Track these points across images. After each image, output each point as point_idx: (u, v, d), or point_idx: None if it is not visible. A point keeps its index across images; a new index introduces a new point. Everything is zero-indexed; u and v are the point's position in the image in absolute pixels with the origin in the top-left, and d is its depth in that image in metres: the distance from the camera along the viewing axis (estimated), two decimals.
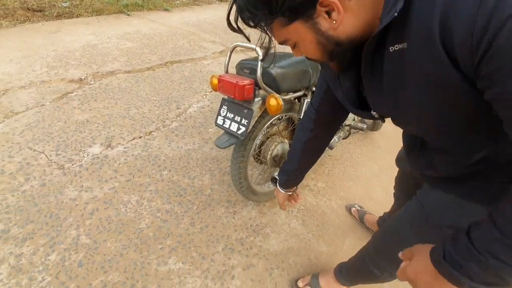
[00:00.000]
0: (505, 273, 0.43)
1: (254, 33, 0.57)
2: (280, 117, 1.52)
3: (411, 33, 0.43)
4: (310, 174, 1.83)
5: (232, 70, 1.25)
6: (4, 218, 1.32)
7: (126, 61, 2.89)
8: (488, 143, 0.55)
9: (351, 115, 1.70)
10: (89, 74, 2.56)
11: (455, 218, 0.68)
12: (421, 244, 0.58)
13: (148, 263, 1.27)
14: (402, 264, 0.60)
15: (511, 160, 0.55)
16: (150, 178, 1.66)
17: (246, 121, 1.14)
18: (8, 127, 1.82)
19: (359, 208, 1.69)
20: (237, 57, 1.63)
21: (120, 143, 1.86)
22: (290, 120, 1.59)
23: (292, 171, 1.05)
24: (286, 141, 1.53)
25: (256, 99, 1.14)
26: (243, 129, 1.15)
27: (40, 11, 3.92)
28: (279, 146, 1.46)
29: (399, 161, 1.19)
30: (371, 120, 2.05)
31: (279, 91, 1.18)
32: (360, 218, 1.63)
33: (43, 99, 2.14)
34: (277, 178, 1.18)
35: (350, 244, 1.52)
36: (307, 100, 1.35)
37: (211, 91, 2.60)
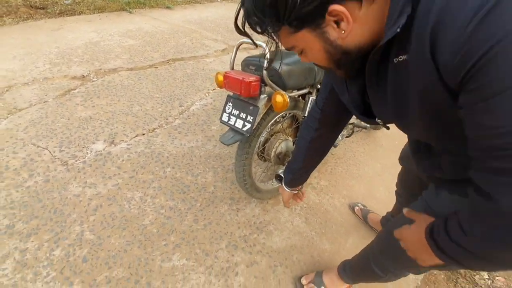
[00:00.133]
0: (464, 259, 0.50)
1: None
2: (284, 115, 1.52)
3: (411, 45, 0.44)
4: (313, 172, 1.82)
5: (237, 67, 1.25)
6: (9, 214, 1.32)
7: (128, 58, 2.89)
8: None
9: None
10: (91, 71, 2.56)
11: None
12: (425, 215, 0.63)
13: (152, 259, 1.27)
14: (403, 226, 0.67)
15: None
16: (154, 175, 1.66)
17: (252, 118, 1.14)
18: (12, 123, 1.82)
19: (362, 207, 1.69)
20: (241, 55, 1.62)
21: (123, 140, 1.86)
22: (294, 118, 1.59)
23: (297, 170, 1.05)
24: (290, 138, 1.53)
25: (262, 96, 1.14)
26: (248, 126, 1.15)
27: (43, 8, 3.92)
28: (283, 143, 1.46)
29: (402, 159, 1.19)
30: (366, 126, 2.02)
31: (284, 88, 1.18)
32: (364, 217, 1.63)
33: (46, 95, 2.14)
34: (282, 175, 1.19)
35: (353, 242, 1.52)
36: (312, 97, 1.35)
37: (214, 89, 2.60)
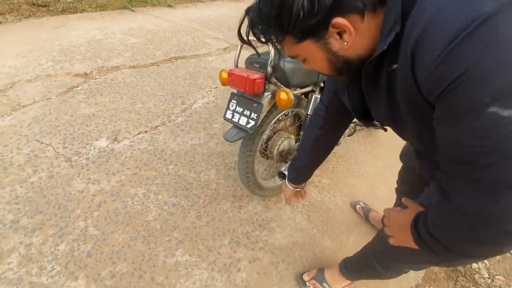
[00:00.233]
0: (438, 249, 0.53)
1: None
2: (286, 113, 1.53)
3: (399, 57, 0.47)
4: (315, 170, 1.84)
5: (241, 65, 1.26)
6: (14, 209, 1.33)
7: (131, 56, 2.90)
8: None
9: None
10: (94, 68, 2.57)
11: None
12: (418, 205, 0.65)
13: (156, 254, 1.28)
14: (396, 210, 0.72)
15: None
16: (157, 172, 1.67)
17: (256, 115, 1.14)
18: (15, 120, 1.83)
19: (364, 205, 1.70)
20: (245, 53, 1.63)
21: (126, 137, 1.87)
22: (296, 116, 1.60)
23: (301, 168, 1.05)
24: (293, 136, 1.53)
25: (266, 94, 1.15)
26: (252, 123, 1.16)
27: (45, 6, 3.92)
28: (286, 141, 1.47)
29: (403, 156, 1.20)
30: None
31: (288, 86, 1.19)
32: (365, 215, 1.64)
33: (49, 92, 2.15)
34: (284, 173, 1.19)
35: (355, 240, 1.53)
36: (315, 95, 1.36)
37: (216, 87, 2.61)
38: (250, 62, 1.22)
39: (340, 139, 1.72)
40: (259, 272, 1.29)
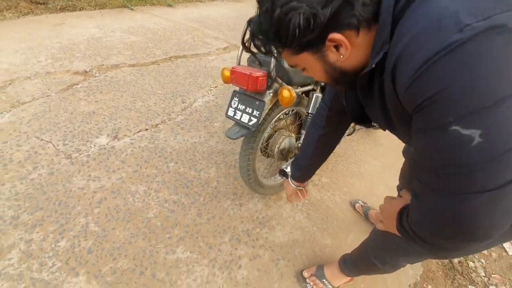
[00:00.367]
0: (417, 240, 0.56)
1: None
2: (287, 112, 1.54)
3: (385, 69, 0.50)
4: None
5: (243, 63, 1.27)
6: (14, 205, 1.33)
7: (131, 54, 2.90)
8: None
9: None
10: (94, 66, 2.56)
11: None
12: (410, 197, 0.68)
13: (157, 251, 1.28)
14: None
15: None
16: (157, 170, 1.67)
17: (258, 112, 1.15)
18: (15, 117, 1.82)
19: (363, 204, 1.71)
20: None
21: (126, 135, 1.87)
22: (297, 115, 1.61)
23: (305, 167, 1.07)
24: (293, 135, 1.55)
25: (268, 91, 1.16)
26: (254, 120, 1.16)
27: (43, 3, 3.91)
28: (287, 139, 1.48)
29: (405, 152, 1.21)
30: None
31: (290, 84, 1.20)
32: (365, 213, 1.65)
33: (48, 89, 2.15)
34: (286, 170, 1.21)
35: (354, 238, 1.55)
36: (316, 94, 1.37)
37: (216, 86, 2.62)
38: (252, 60, 1.23)
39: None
40: (260, 269, 1.30)
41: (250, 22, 0.57)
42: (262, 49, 0.58)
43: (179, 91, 2.44)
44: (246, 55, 1.29)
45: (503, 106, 0.37)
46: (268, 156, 1.55)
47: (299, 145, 1.49)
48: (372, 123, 0.77)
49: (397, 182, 1.36)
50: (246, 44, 0.62)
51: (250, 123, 1.17)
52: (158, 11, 4.49)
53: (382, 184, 1.98)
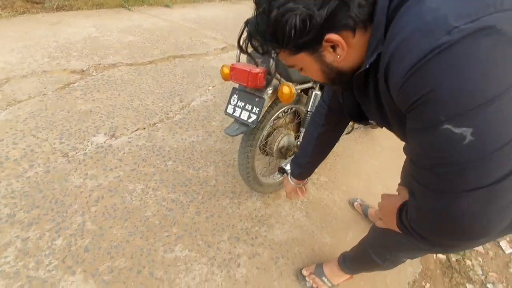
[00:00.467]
0: (416, 236, 0.57)
1: None
2: (286, 110, 1.54)
3: (379, 69, 0.51)
4: None
5: (243, 60, 1.26)
6: (10, 203, 1.31)
7: (128, 54, 2.89)
8: None
9: None
10: (91, 65, 2.55)
11: None
12: (408, 194, 0.68)
13: (155, 250, 1.27)
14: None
15: None
16: (155, 168, 1.66)
17: (257, 109, 1.15)
18: (11, 115, 1.80)
19: (361, 203, 1.71)
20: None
21: (124, 134, 1.86)
22: (296, 113, 1.61)
23: (305, 165, 1.08)
24: (292, 133, 1.54)
25: (268, 88, 1.16)
26: (254, 117, 1.16)
27: (39, 3, 3.88)
28: (286, 138, 1.48)
29: (406, 148, 1.22)
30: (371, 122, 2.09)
31: (290, 81, 1.20)
32: (364, 212, 1.65)
33: (45, 88, 2.13)
34: (285, 168, 1.20)
35: (353, 236, 1.54)
36: (315, 92, 1.37)
37: (214, 86, 2.61)
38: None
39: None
40: (259, 267, 1.29)
41: (247, 23, 0.58)
42: (260, 49, 0.59)
43: (177, 91, 2.43)
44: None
45: (493, 106, 0.38)
46: (267, 155, 1.55)
47: (298, 143, 1.49)
48: (370, 121, 0.78)
49: (395, 181, 1.36)
50: (243, 45, 0.63)
51: (250, 120, 1.17)
52: (155, 11, 4.49)
53: (380, 183, 1.99)
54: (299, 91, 1.37)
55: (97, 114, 1.97)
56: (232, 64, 1.16)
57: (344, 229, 1.58)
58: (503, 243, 1.83)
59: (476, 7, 0.38)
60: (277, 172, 1.64)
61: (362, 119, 0.77)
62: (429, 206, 0.49)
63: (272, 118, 1.37)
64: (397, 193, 0.77)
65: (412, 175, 0.52)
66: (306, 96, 1.46)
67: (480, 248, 1.75)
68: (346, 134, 1.90)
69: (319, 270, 1.27)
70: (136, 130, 1.90)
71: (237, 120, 1.24)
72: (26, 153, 1.57)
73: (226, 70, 1.23)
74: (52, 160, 1.57)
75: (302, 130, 1.48)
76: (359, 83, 0.59)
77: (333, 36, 0.50)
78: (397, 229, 0.64)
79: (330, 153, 1.07)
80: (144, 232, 1.33)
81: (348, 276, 1.26)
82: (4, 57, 2.39)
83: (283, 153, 1.50)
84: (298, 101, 1.43)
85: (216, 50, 3.44)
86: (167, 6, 4.87)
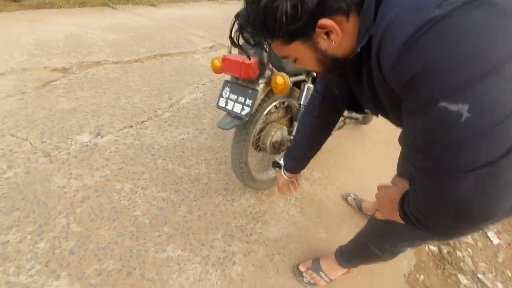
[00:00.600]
0: (417, 224, 0.55)
1: None
2: (278, 105, 1.51)
3: (371, 57, 0.49)
4: None
5: (235, 52, 1.23)
6: None
7: (113, 52, 2.80)
8: None
9: None
10: (73, 63, 2.45)
11: None
12: (405, 182, 0.65)
13: (146, 250, 1.21)
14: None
15: None
16: (144, 167, 1.60)
17: (251, 101, 1.12)
18: None
19: (355, 197, 1.71)
20: None
21: (110, 132, 1.78)
22: (288, 108, 1.59)
23: (299, 157, 1.06)
24: (285, 128, 1.52)
25: (261, 79, 1.13)
26: (247, 109, 1.13)
27: (17, 1, 3.72)
28: (279, 132, 1.45)
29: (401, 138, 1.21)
30: (359, 117, 2.10)
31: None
32: (358, 206, 1.64)
33: (24, 86, 2.02)
34: (279, 162, 1.18)
35: (349, 230, 1.53)
36: (308, 85, 1.36)
37: (203, 84, 2.56)
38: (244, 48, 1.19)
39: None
40: (255, 264, 1.26)
41: (237, 16, 0.57)
42: (251, 41, 0.57)
43: (166, 88, 2.37)
44: None
45: (488, 79, 0.36)
46: (260, 150, 1.51)
47: (291, 137, 1.46)
48: (364, 110, 0.77)
49: (387, 175, 1.35)
50: (234, 38, 0.61)
51: (243, 113, 1.14)
52: (140, 10, 4.40)
53: (371, 177, 1.99)
54: (291, 84, 1.35)
55: (81, 112, 1.89)
56: (224, 56, 1.12)
57: (339, 223, 1.57)
58: (491, 233, 1.87)
59: None
60: (270, 168, 1.62)
61: (357, 107, 0.76)
62: (429, 191, 0.47)
63: (265, 112, 1.34)
64: (392, 184, 0.76)
65: (409, 160, 0.50)
66: (299, 90, 1.44)
67: (469, 239, 1.78)
68: (338, 129, 1.90)
69: (316, 265, 1.24)
70: (123, 128, 1.83)
71: (230, 114, 1.20)
72: (4, 153, 1.47)
73: (217, 63, 1.19)
74: (33, 160, 1.48)
75: (295, 124, 1.46)
76: (352, 69, 0.58)
77: (326, 21, 0.49)
78: (398, 220, 0.62)
79: (322, 148, 1.06)
80: (134, 232, 1.27)
81: (345, 270, 1.24)
82: None
83: (276, 148, 1.48)
84: (290, 95, 1.41)
85: (204, 48, 3.40)
86: (152, 5, 4.78)
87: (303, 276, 1.23)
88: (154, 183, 1.52)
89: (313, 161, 1.06)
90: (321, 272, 1.22)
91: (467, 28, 0.37)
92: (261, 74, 1.12)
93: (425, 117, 0.42)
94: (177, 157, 1.71)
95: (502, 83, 0.37)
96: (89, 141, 1.68)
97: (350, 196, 1.72)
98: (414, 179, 0.51)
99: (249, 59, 1.03)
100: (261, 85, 1.13)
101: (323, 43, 0.53)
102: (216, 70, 1.21)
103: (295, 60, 0.62)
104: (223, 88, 1.22)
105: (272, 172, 1.62)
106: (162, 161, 1.66)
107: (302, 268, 1.26)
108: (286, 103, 1.53)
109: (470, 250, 1.73)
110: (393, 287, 1.34)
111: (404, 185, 0.65)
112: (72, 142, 1.65)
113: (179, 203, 1.44)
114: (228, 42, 1.16)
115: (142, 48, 3.00)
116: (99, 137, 1.73)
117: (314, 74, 1.42)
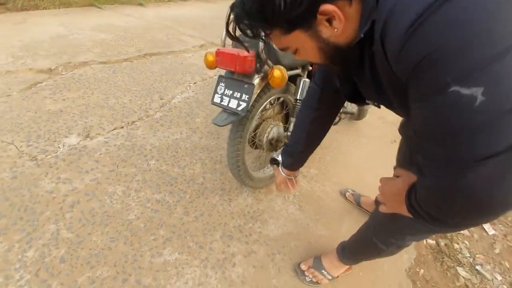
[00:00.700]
0: (426, 218, 0.52)
1: None
2: (272, 102, 1.48)
3: (374, 42, 0.47)
4: None
5: (228, 47, 1.19)
6: None
7: (101, 52, 2.72)
8: None
9: None
10: (60, 64, 2.37)
11: None
12: (410, 174, 0.62)
13: (141, 255, 1.16)
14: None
15: None
16: (136, 168, 1.54)
17: (247, 96, 1.08)
18: None
19: (353, 192, 1.69)
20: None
21: (100, 133, 1.72)
22: (283, 104, 1.56)
23: (297, 153, 1.03)
24: (281, 124, 1.49)
25: (257, 73, 1.09)
26: (243, 105, 1.09)
27: (1, 4, 3.58)
28: (275, 128, 1.42)
29: (401, 128, 1.18)
30: (358, 108, 2.09)
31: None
32: (356, 201, 1.63)
33: (9, 89, 1.94)
34: (277, 159, 1.14)
35: (348, 226, 1.51)
36: (304, 79, 1.33)
37: (195, 83, 2.51)
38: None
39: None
40: (256, 265, 1.22)
41: (233, 6, 0.53)
42: (249, 32, 0.53)
43: (156, 88, 2.31)
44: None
45: (502, 59, 0.34)
46: (256, 148, 1.48)
47: (288, 134, 1.43)
48: (366, 101, 0.74)
49: (383, 169, 1.34)
50: (230, 31, 0.57)
51: (239, 108, 1.10)
52: (128, 10, 4.30)
53: (368, 172, 1.98)
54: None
55: (68, 114, 1.82)
56: (218, 49, 1.08)
57: (338, 219, 1.54)
58: (486, 225, 1.88)
59: None
60: (267, 166, 1.59)
61: (359, 99, 0.73)
62: (440, 183, 0.45)
63: (260, 109, 1.31)
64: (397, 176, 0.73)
65: (418, 150, 0.48)
66: (294, 86, 1.41)
67: (465, 231, 1.78)
68: (334, 125, 1.87)
69: (317, 263, 1.22)
70: (113, 130, 1.77)
71: (225, 110, 1.16)
72: None
73: (211, 58, 1.15)
74: (19, 165, 1.41)
75: (292, 120, 1.43)
76: (355, 57, 0.55)
77: (328, 7, 0.46)
78: (404, 213, 0.59)
79: (318, 146, 1.03)
80: (128, 236, 1.22)
81: (347, 267, 1.22)
82: None
83: (273, 145, 1.44)
84: (286, 90, 1.38)
85: (194, 47, 3.34)
86: (140, 4, 4.69)
87: (305, 275, 1.20)
88: (147, 184, 1.46)
89: (309, 158, 1.04)
90: (323, 270, 1.19)
91: (474, 8, 0.35)
92: (257, 68, 1.08)
93: (436, 103, 0.39)
94: (170, 158, 1.66)
95: None
96: (78, 143, 1.62)
97: (348, 191, 1.70)
98: (424, 171, 0.48)
99: (247, 51, 0.99)
100: (257, 79, 1.10)
101: (325, 30, 0.50)
102: (210, 65, 1.17)
103: (295, 52, 0.59)
104: (218, 83, 1.18)
105: (269, 170, 1.59)
106: (155, 162, 1.61)
107: (303, 266, 1.23)
108: (281, 99, 1.50)
109: (466, 242, 1.73)
110: (395, 282, 1.32)
111: (410, 177, 0.62)
112: (60, 145, 1.58)
113: (174, 205, 1.39)
114: (222, 36, 1.13)
115: (131, 48, 2.93)
116: (88, 139, 1.67)
117: (310, 68, 1.40)
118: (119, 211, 1.31)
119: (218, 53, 1.08)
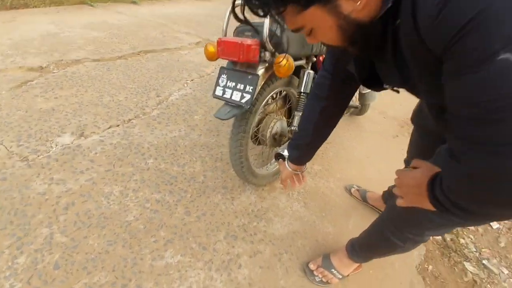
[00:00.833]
0: (453, 210, 0.48)
1: None
2: (275, 96, 1.42)
3: (401, 11, 0.43)
4: None
5: (230, 35, 1.13)
6: None
7: (94, 49, 2.63)
8: None
9: None
10: (51, 62, 2.28)
11: None
12: (430, 165, 0.58)
13: (141, 258, 1.09)
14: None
15: None
16: (134, 167, 1.47)
17: (251, 87, 1.02)
18: None
19: (358, 188, 1.64)
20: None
21: (94, 132, 1.64)
22: (286, 98, 1.50)
23: (305, 146, 0.98)
24: (284, 118, 1.43)
25: (261, 63, 1.03)
26: (247, 97, 1.03)
27: None
28: (278, 123, 1.36)
29: (414, 118, 1.14)
30: (358, 106, 2.04)
31: None
32: (362, 197, 1.58)
33: None
34: (282, 153, 1.09)
35: (355, 222, 1.46)
36: (308, 71, 1.27)
37: (192, 80, 2.44)
38: (240, 31, 1.10)
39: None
40: (262, 266, 1.16)
41: None
42: (260, 11, 0.47)
43: (152, 85, 2.24)
44: (231, 27, 1.16)
45: None
46: (259, 143, 1.42)
47: (292, 128, 1.38)
48: (384, 85, 0.69)
49: (386, 164, 1.30)
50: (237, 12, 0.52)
51: (243, 100, 1.04)
52: (121, 8, 4.21)
53: (371, 167, 1.93)
54: None
55: (61, 112, 1.74)
56: (220, 38, 1.02)
57: (344, 216, 1.49)
58: None
59: None
60: (271, 162, 1.53)
61: (375, 83, 0.68)
62: (478, 168, 0.40)
63: (264, 102, 1.25)
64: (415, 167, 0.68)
65: (452, 132, 0.43)
66: (297, 78, 1.35)
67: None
68: None
69: (326, 262, 1.16)
70: (108, 128, 1.70)
71: (228, 103, 1.10)
72: None
73: (212, 48, 1.09)
74: (8, 166, 1.33)
75: (296, 114, 1.37)
76: (377, 35, 0.49)
77: None
78: (425, 206, 0.54)
79: (324, 140, 0.98)
80: (127, 239, 1.15)
81: (357, 265, 1.17)
82: None
83: (277, 140, 1.39)
84: (289, 83, 1.33)
85: (190, 44, 3.27)
86: (133, 2, 4.60)
87: (314, 275, 1.15)
88: (146, 184, 1.40)
89: None
90: (332, 269, 1.14)
91: None
92: (261, 58, 1.02)
93: (480, 76, 0.35)
94: (169, 156, 1.59)
95: None
96: (72, 143, 1.54)
97: (353, 187, 1.66)
98: (457, 156, 0.43)
99: (257, 33, 0.91)
100: (261, 70, 1.04)
101: (346, 5, 0.45)
102: (211, 57, 1.11)
103: (310, 33, 0.53)
104: (219, 75, 1.12)
105: (272, 167, 1.53)
106: (153, 161, 1.54)
107: (312, 266, 1.17)
108: (284, 93, 1.44)
109: (472, 236, 1.70)
110: (406, 280, 1.28)
111: (430, 168, 0.57)
112: (52, 144, 1.50)
113: (175, 205, 1.33)
114: (224, 25, 1.07)
115: (125, 45, 2.85)
116: (83, 138, 1.59)
117: (314, 59, 1.34)
118: (116, 213, 1.24)
119: (220, 42, 1.01)
